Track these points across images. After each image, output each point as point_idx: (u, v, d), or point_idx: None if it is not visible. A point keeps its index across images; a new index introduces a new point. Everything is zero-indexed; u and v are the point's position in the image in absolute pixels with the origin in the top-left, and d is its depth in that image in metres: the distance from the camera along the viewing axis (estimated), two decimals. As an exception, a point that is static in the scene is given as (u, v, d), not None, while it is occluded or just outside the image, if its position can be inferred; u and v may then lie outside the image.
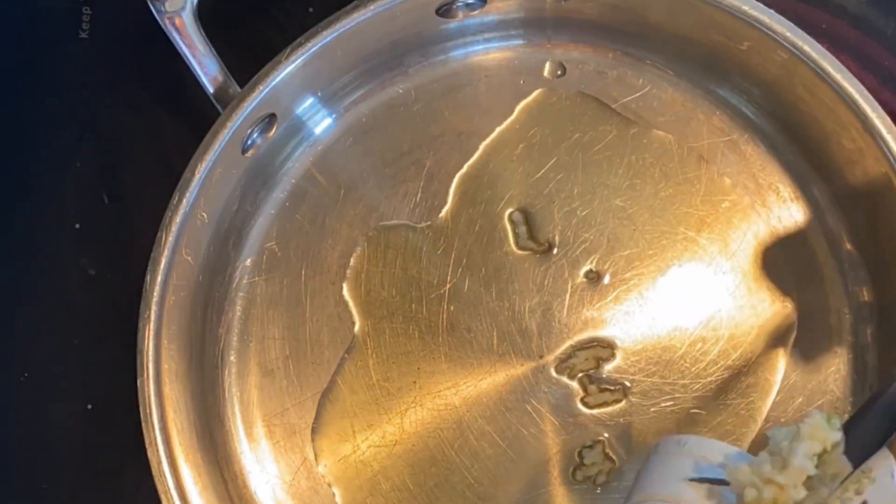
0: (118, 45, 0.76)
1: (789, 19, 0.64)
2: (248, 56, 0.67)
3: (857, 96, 0.64)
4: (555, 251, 0.69)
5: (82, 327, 0.73)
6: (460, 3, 0.68)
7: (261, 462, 0.69)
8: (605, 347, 0.69)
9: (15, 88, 0.76)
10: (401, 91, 0.72)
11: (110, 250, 0.74)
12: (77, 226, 0.74)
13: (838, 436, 0.50)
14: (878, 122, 0.63)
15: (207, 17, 0.67)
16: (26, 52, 0.76)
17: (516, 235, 0.70)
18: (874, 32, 0.72)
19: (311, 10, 0.74)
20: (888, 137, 0.63)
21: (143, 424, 0.63)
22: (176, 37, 0.65)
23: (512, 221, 0.70)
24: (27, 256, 0.74)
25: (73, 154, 0.75)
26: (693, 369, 0.68)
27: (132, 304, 0.64)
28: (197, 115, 0.68)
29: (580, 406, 0.68)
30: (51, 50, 0.76)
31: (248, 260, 0.70)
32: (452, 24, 0.69)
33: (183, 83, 0.68)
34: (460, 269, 0.70)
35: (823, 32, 0.71)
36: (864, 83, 0.64)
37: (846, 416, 0.66)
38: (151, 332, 0.64)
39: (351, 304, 0.70)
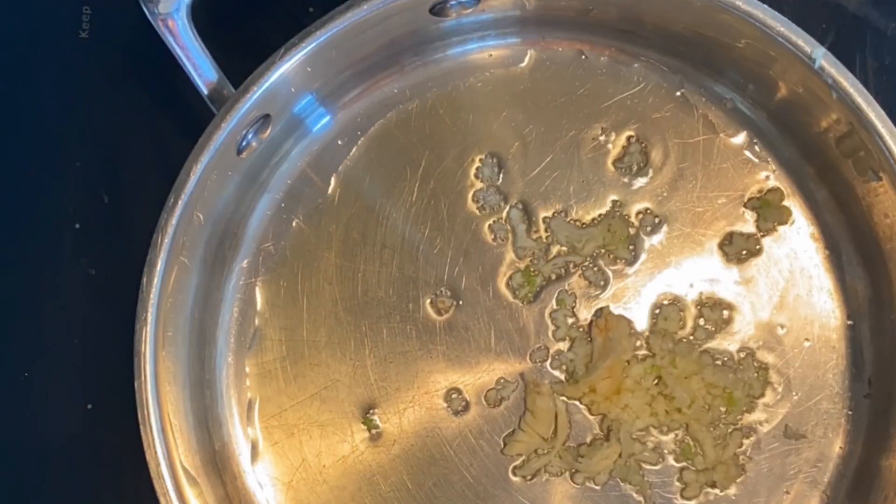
0: (118, 45, 0.76)
1: (788, 18, 0.64)
2: (249, 56, 0.67)
3: (855, 95, 0.63)
4: (552, 249, 0.69)
5: (82, 327, 0.73)
6: (453, 2, 0.67)
7: (260, 462, 0.69)
8: (603, 345, 0.69)
9: (15, 88, 0.76)
10: (396, 90, 0.71)
11: (110, 250, 0.74)
12: (77, 226, 0.74)
13: None
14: (876, 121, 0.63)
15: (208, 17, 0.67)
16: (26, 52, 0.76)
17: (513, 233, 0.70)
18: (874, 32, 0.72)
19: (311, 9, 0.74)
20: (886, 136, 0.63)
21: (142, 426, 0.63)
22: (169, 38, 0.65)
23: (508, 219, 0.70)
24: (27, 256, 0.74)
25: (73, 154, 0.75)
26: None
27: (132, 304, 0.64)
28: (195, 116, 0.68)
29: (578, 404, 0.68)
30: (51, 50, 0.76)
31: (245, 261, 0.70)
32: (447, 23, 0.69)
33: (183, 83, 0.67)
34: (457, 268, 0.70)
35: (823, 31, 0.71)
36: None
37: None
38: (148, 335, 0.64)
39: (347, 305, 0.70)
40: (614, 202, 0.70)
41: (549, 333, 0.69)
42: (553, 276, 0.69)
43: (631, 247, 0.69)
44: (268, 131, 0.68)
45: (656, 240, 0.69)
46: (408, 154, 0.71)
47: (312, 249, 0.70)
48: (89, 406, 0.72)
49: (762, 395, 0.68)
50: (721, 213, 0.69)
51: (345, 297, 0.70)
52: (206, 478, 0.66)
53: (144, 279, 0.64)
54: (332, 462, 0.69)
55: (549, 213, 0.70)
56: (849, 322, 0.68)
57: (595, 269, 0.69)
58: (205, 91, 0.66)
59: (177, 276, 0.65)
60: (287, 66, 0.65)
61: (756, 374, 0.68)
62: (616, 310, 0.69)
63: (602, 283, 0.69)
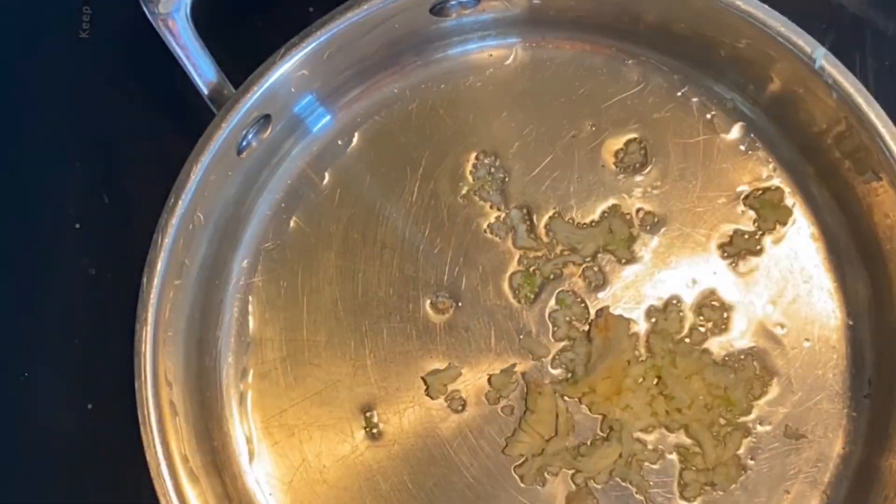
0: (118, 46, 0.76)
1: (788, 18, 0.64)
2: (249, 56, 0.67)
3: (855, 95, 0.63)
4: (552, 249, 0.69)
5: (82, 327, 0.73)
6: (453, 2, 0.67)
7: (260, 463, 0.69)
8: (603, 345, 0.69)
9: (15, 88, 0.76)
10: (396, 90, 0.71)
11: (110, 250, 0.74)
12: (77, 226, 0.74)
13: None
14: (876, 121, 0.63)
15: (208, 17, 0.67)
16: (26, 52, 0.76)
17: (513, 234, 0.70)
18: (874, 32, 0.72)
19: (311, 9, 0.74)
20: (886, 136, 0.63)
21: (142, 427, 0.63)
22: (169, 38, 0.65)
23: (508, 219, 0.70)
24: (27, 256, 0.74)
25: (73, 154, 0.75)
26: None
27: (132, 304, 0.64)
28: (195, 116, 0.68)
29: (579, 403, 0.68)
30: (51, 50, 0.76)
31: (245, 261, 0.70)
32: (447, 23, 0.69)
33: (183, 83, 0.67)
34: (457, 268, 0.70)
35: (823, 32, 0.71)
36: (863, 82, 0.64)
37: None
38: (149, 335, 0.64)
39: (347, 305, 0.70)
40: (614, 202, 0.69)
41: (550, 333, 0.69)
42: (553, 276, 0.69)
43: (631, 247, 0.69)
44: (268, 131, 0.68)
45: (656, 240, 0.69)
46: (408, 154, 0.71)
47: (312, 249, 0.70)
48: (89, 406, 0.72)
49: (762, 395, 0.68)
50: (721, 213, 0.69)
51: (345, 297, 0.70)
52: (207, 478, 0.66)
53: (144, 279, 0.64)
54: (332, 462, 0.69)
55: (549, 213, 0.69)
56: (849, 322, 0.68)
57: (595, 269, 0.69)
58: (205, 91, 0.66)
59: (177, 276, 0.65)
60: (287, 66, 0.65)
61: (756, 374, 0.68)
62: (616, 310, 0.69)
63: (602, 283, 0.69)
